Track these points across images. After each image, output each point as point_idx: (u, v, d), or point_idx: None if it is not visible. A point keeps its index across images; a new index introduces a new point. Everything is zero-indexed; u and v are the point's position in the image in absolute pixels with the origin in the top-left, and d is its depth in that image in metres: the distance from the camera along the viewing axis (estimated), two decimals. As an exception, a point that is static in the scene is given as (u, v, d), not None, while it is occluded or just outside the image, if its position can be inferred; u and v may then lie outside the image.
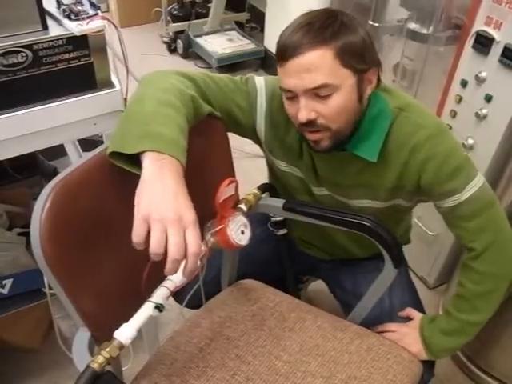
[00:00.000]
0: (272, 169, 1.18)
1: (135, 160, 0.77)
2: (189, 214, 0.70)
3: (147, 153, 0.75)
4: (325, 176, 1.07)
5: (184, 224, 0.69)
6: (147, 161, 0.75)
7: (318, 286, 1.73)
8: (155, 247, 0.68)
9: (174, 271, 0.69)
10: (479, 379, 1.57)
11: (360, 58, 0.89)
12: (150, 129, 0.78)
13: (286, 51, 0.87)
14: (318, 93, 0.88)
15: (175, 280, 0.86)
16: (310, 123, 0.91)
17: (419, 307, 1.19)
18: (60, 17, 1.09)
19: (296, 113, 0.92)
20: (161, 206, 0.69)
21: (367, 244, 1.03)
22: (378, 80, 0.96)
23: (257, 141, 1.11)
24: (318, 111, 0.90)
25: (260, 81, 1.05)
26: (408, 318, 1.14)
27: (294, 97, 0.91)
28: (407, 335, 1.10)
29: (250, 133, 1.08)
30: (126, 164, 0.79)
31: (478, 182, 0.98)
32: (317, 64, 0.86)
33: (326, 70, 0.86)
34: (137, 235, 0.69)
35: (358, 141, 0.97)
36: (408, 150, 0.97)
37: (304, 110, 0.89)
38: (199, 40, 3.31)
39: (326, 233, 1.18)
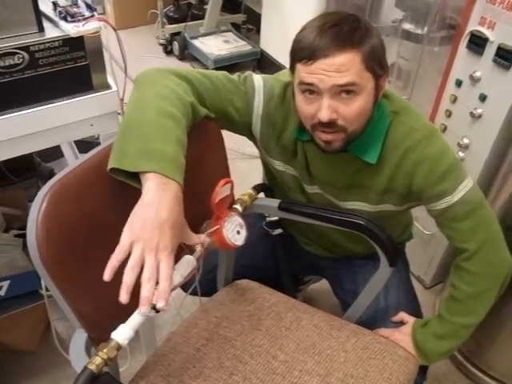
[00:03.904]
0: (267, 167, 1.18)
1: (135, 173, 0.78)
2: (165, 248, 0.74)
3: (150, 175, 0.76)
4: (318, 175, 1.08)
5: (159, 256, 0.73)
6: (150, 184, 0.76)
7: (317, 285, 1.74)
8: (129, 266, 0.72)
9: (149, 292, 0.72)
10: (477, 378, 1.57)
11: (379, 63, 0.90)
12: (150, 145, 0.78)
13: (314, 52, 0.86)
14: (345, 91, 0.87)
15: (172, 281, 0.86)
16: (330, 124, 0.90)
17: (415, 309, 1.19)
18: (56, 19, 1.09)
19: (313, 113, 0.91)
20: (147, 235, 0.73)
21: (364, 241, 1.04)
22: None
23: (251, 138, 1.11)
24: (340, 112, 0.89)
25: (258, 80, 1.04)
26: (401, 323, 1.15)
27: (312, 93, 0.90)
28: (400, 341, 1.10)
29: (244, 131, 1.09)
30: (126, 178, 0.80)
31: (468, 183, 0.99)
32: (347, 65, 0.86)
33: (354, 71, 0.86)
34: (118, 253, 0.73)
35: (359, 143, 0.98)
36: (401, 153, 0.98)
37: (327, 110, 0.88)
38: (195, 41, 3.31)
39: (322, 231, 1.19)
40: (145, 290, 0.72)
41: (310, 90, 0.90)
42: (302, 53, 0.89)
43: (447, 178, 0.97)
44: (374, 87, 0.91)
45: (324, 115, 0.89)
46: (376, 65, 0.89)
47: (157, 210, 0.74)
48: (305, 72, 0.89)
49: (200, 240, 0.85)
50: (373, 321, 1.15)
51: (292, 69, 0.94)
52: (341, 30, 0.86)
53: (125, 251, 0.73)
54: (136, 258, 0.72)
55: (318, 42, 0.86)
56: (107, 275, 0.72)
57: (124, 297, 0.71)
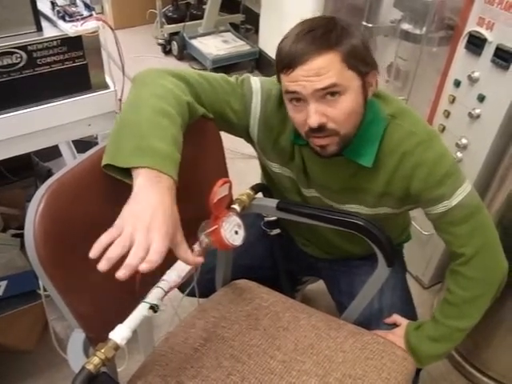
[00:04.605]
0: (265, 169, 1.18)
1: (129, 170, 0.77)
2: (158, 230, 0.70)
3: (141, 170, 0.75)
4: (315, 179, 1.08)
5: (150, 237, 0.69)
6: (140, 178, 0.75)
7: (315, 285, 1.74)
8: (116, 242, 0.69)
9: (125, 276, 0.67)
10: (475, 379, 1.57)
11: (363, 61, 0.90)
12: (144, 143, 0.78)
13: (292, 60, 0.87)
14: (328, 93, 0.87)
15: (170, 281, 0.86)
16: (320, 128, 0.90)
17: (409, 311, 1.19)
18: (54, 18, 1.09)
19: (303, 120, 0.91)
20: (136, 217, 0.71)
21: (361, 242, 1.04)
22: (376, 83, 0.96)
23: (249, 141, 1.11)
24: (328, 115, 0.89)
25: (256, 83, 1.04)
26: (395, 325, 1.15)
27: (299, 101, 0.90)
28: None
29: (242, 133, 1.09)
30: (119, 174, 0.79)
31: (467, 187, 0.99)
32: (326, 67, 0.86)
33: (335, 71, 0.86)
34: (109, 232, 0.70)
35: (354, 146, 0.98)
36: (398, 156, 0.98)
37: (315, 115, 0.88)
38: (194, 41, 3.31)
39: (320, 232, 1.19)
40: (128, 259, 0.67)
41: (296, 98, 0.90)
42: (282, 62, 0.89)
43: (446, 182, 0.97)
44: (360, 85, 0.91)
45: (313, 121, 0.89)
46: (359, 62, 0.89)
47: (146, 198, 0.72)
48: (287, 81, 0.90)
49: (193, 261, 0.79)
50: (367, 322, 1.15)
51: (278, 79, 0.94)
52: (315, 34, 0.87)
53: (117, 232, 0.70)
54: (126, 235, 0.69)
55: (294, 50, 0.87)
56: (93, 252, 0.68)
57: (103, 263, 0.67)
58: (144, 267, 0.67)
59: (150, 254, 0.68)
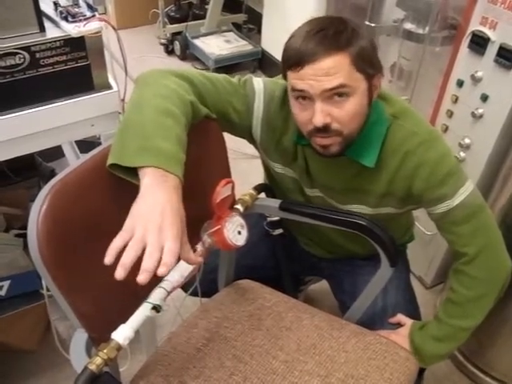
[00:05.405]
0: (267, 169, 1.18)
1: (134, 170, 0.78)
2: (170, 229, 0.70)
3: (146, 169, 0.75)
4: (318, 179, 1.08)
5: (163, 237, 0.70)
6: (147, 178, 0.75)
7: (317, 286, 1.74)
8: (129, 245, 0.69)
9: (145, 281, 0.67)
10: (478, 379, 1.57)
11: (370, 64, 0.90)
12: (149, 143, 0.78)
13: (301, 58, 0.87)
14: (336, 94, 0.87)
15: (172, 280, 0.86)
16: (325, 128, 0.90)
17: (413, 311, 1.19)
18: (57, 19, 1.09)
19: (308, 119, 0.91)
20: (146, 218, 0.71)
21: (364, 242, 1.04)
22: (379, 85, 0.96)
23: (251, 141, 1.11)
24: (333, 115, 0.89)
25: (259, 83, 1.04)
26: (399, 324, 1.15)
27: (305, 99, 0.90)
28: (397, 343, 1.09)
29: (245, 134, 1.09)
30: (125, 174, 0.79)
31: (469, 187, 0.99)
32: (336, 68, 0.86)
33: (344, 73, 0.86)
34: (120, 235, 0.70)
35: (357, 146, 0.98)
36: (400, 156, 0.98)
37: (320, 114, 0.88)
38: (196, 41, 3.31)
39: (323, 232, 1.19)
40: (145, 263, 0.67)
41: (303, 96, 0.90)
42: (291, 60, 0.89)
43: (448, 182, 0.97)
44: (366, 88, 0.91)
45: (318, 120, 0.89)
46: (366, 65, 0.89)
47: (154, 197, 0.73)
48: (295, 78, 0.89)
49: (195, 261, 0.79)
50: (371, 321, 1.15)
51: (284, 76, 0.94)
52: (326, 33, 0.87)
53: (129, 235, 0.70)
54: (138, 238, 0.69)
55: (304, 48, 0.87)
56: (108, 258, 0.68)
57: (119, 271, 0.67)
58: (162, 271, 0.67)
59: (164, 254, 0.68)
